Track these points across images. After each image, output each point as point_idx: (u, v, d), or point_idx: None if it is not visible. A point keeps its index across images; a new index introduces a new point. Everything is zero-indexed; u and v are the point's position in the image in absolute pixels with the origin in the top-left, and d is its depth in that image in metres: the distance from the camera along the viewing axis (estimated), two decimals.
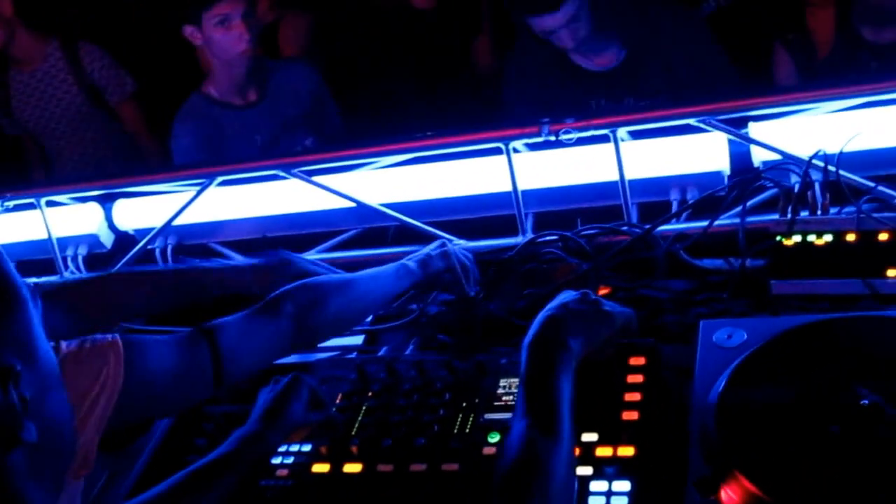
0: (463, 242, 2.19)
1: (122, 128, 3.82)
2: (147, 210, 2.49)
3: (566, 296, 1.44)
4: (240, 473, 1.40)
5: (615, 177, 2.04)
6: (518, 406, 1.27)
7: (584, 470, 1.36)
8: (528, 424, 1.22)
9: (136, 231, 2.53)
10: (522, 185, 2.12)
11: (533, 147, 2.12)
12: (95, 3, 4.02)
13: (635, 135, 2.06)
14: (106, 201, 2.51)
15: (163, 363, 1.35)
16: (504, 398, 1.58)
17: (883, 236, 1.75)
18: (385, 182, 2.28)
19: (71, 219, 2.53)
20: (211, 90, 3.24)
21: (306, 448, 1.58)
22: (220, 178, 2.35)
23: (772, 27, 3.03)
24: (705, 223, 1.96)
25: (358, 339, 2.03)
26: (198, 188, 2.37)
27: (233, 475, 1.39)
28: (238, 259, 1.74)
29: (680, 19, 2.93)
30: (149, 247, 2.47)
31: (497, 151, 2.10)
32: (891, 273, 1.72)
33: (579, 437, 1.40)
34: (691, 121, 1.95)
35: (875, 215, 1.76)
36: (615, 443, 1.40)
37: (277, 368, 1.81)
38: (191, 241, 2.52)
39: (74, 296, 1.79)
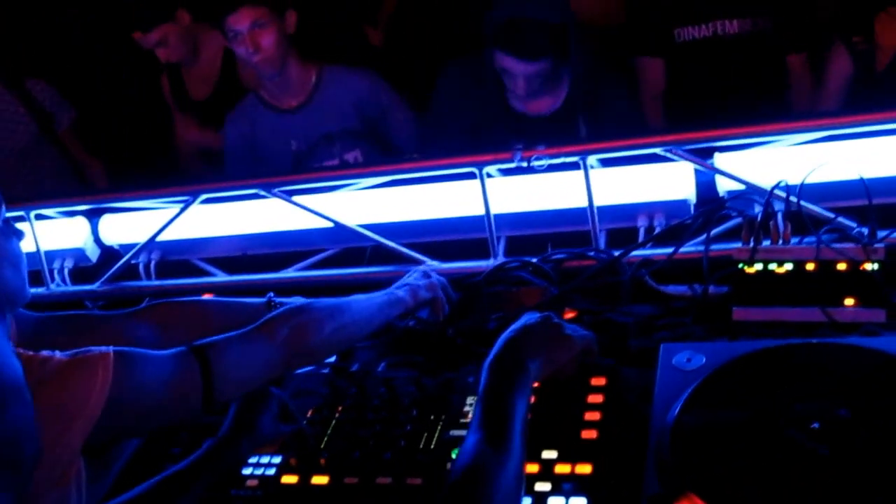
0: (436, 264, 2.21)
1: (67, 154, 3.81)
2: (132, 225, 2.49)
3: (529, 318, 1.46)
4: (211, 479, 1.44)
5: (585, 203, 2.06)
6: (473, 421, 1.29)
7: (543, 486, 1.37)
8: (479, 438, 1.24)
9: (121, 246, 2.53)
10: (495, 210, 2.13)
11: (506, 172, 2.13)
12: (37, 39, 4.06)
13: (605, 163, 2.08)
14: (92, 216, 2.51)
15: (154, 379, 1.32)
16: (470, 415, 1.59)
17: (841, 266, 1.76)
18: (363, 203, 2.29)
19: (58, 232, 2.53)
20: (262, 91, 3.24)
21: (276, 460, 1.59)
22: (203, 196, 2.35)
23: (836, 26, 3.01)
24: (671, 249, 1.97)
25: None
26: (181, 205, 2.37)
27: (204, 481, 1.43)
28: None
29: (616, 81, 2.98)
30: (133, 262, 2.48)
31: (471, 176, 2.12)
32: (848, 302, 1.74)
33: (539, 453, 1.42)
34: (659, 150, 1.97)
35: (834, 245, 1.77)
36: (574, 460, 1.41)
37: None
38: (174, 257, 2.53)
39: (170, 315, 1.78)
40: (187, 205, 2.35)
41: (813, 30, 3.09)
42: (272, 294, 1.92)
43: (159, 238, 2.41)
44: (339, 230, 2.27)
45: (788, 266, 1.80)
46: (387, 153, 3.23)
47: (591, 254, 2.06)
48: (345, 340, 1.70)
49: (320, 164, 3.13)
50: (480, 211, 2.14)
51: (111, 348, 1.28)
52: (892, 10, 2.83)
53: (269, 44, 3.01)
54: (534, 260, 2.07)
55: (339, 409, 1.69)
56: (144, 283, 2.48)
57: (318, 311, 1.62)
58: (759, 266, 1.82)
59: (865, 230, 1.81)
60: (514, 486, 1.21)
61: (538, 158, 1.99)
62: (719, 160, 2.01)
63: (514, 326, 1.43)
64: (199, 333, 1.47)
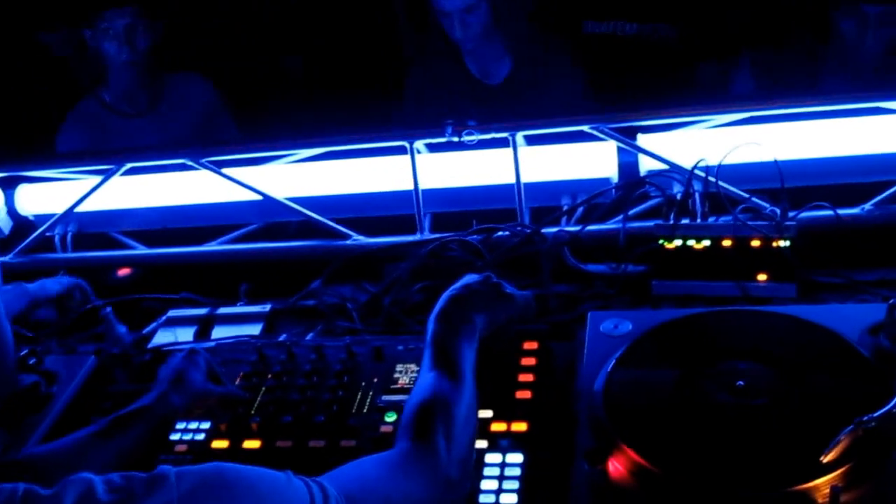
0: (363, 238, 2.18)
1: None
2: (50, 196, 2.39)
3: (469, 278, 1.45)
4: (148, 426, 1.39)
5: (511, 180, 2.06)
6: (424, 364, 1.30)
7: (480, 443, 1.36)
8: (435, 374, 1.26)
9: (37, 217, 2.42)
10: (423, 185, 2.12)
11: (434, 148, 2.12)
12: None
13: (532, 140, 2.08)
14: (7, 186, 2.40)
15: None
16: (400, 381, 1.58)
17: (755, 243, 1.80)
18: (291, 177, 2.25)
19: None
20: (104, 94, 3.13)
21: (205, 425, 1.55)
22: (127, 166, 2.28)
23: (745, 38, 3.04)
24: (593, 226, 2.00)
25: (255, 329, 1.99)
26: (103, 176, 2.29)
27: (142, 426, 1.38)
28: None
29: (561, 46, 3.01)
30: (48, 234, 2.38)
31: (400, 151, 2.10)
32: (761, 277, 1.79)
33: None
34: (585, 127, 1.99)
35: (749, 223, 1.81)
36: (509, 419, 1.41)
37: (167, 355, 1.77)
38: (92, 230, 2.44)
39: None
40: (109, 175, 2.27)
41: (721, 40, 3.16)
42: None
43: (77, 209, 2.33)
44: (266, 204, 2.22)
45: (706, 242, 1.83)
46: None
47: (518, 229, 2.05)
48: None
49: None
50: (408, 186, 2.12)
51: None
52: None
53: (145, 44, 2.97)
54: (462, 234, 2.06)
55: (269, 375, 1.64)
56: (60, 255, 2.38)
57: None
58: (678, 242, 1.85)
59: (778, 210, 1.84)
60: (472, 414, 1.25)
61: (469, 133, 1.98)
62: (642, 140, 2.03)
63: (455, 285, 1.43)
64: None
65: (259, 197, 2.21)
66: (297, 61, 3.84)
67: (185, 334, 2.00)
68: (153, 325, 2.07)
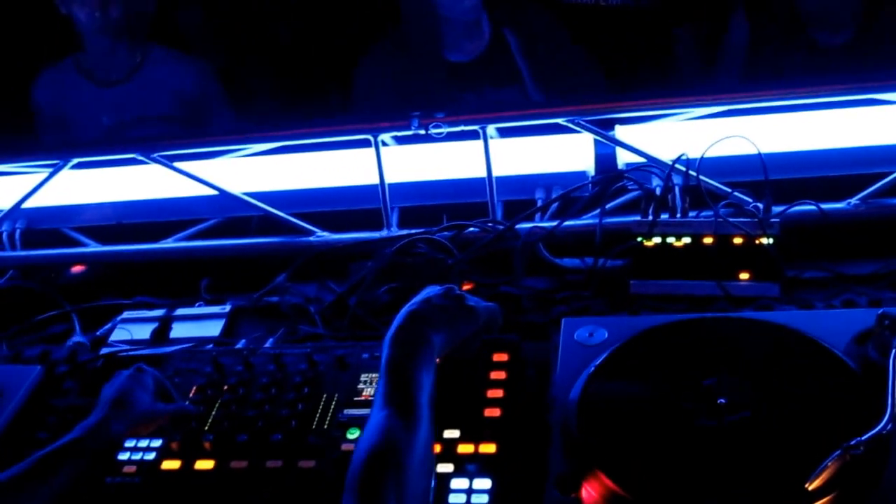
0: (327, 235, 2.13)
1: None
2: None
3: (430, 290, 1.38)
4: (83, 463, 1.32)
5: (482, 173, 2.00)
6: (377, 397, 1.22)
7: (446, 467, 1.31)
8: (387, 414, 1.17)
9: None
10: (389, 179, 2.05)
11: (401, 141, 2.06)
12: None
13: (504, 132, 2.02)
14: None
15: None
16: (364, 393, 1.52)
17: (737, 240, 1.76)
18: (249, 171, 2.18)
19: None
20: (80, 57, 3.05)
21: (156, 443, 1.48)
22: (74, 160, 2.20)
23: None
24: (568, 221, 1.94)
25: (215, 328, 1.94)
26: (50, 170, 2.21)
27: (75, 464, 1.30)
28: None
29: (541, 13, 2.94)
30: None
31: (365, 143, 2.04)
32: (743, 276, 1.75)
33: (441, 433, 1.36)
34: (560, 120, 1.93)
35: (731, 220, 1.76)
36: (477, 440, 1.35)
37: (125, 361, 1.72)
38: (42, 226, 2.35)
39: None
40: (57, 169, 2.20)
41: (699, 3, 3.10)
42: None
43: (25, 205, 2.25)
44: (223, 198, 2.16)
45: (686, 240, 1.79)
46: None
47: (489, 225, 2.00)
48: None
49: None
50: (373, 180, 2.06)
51: None
52: None
53: (117, 15, 2.89)
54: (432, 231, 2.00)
55: (225, 388, 1.58)
56: (8, 253, 2.30)
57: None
58: (657, 239, 1.81)
59: (761, 205, 1.80)
60: (427, 462, 1.16)
61: (436, 126, 1.92)
62: (620, 132, 1.98)
63: (415, 299, 1.35)
64: None
65: (215, 192, 2.15)
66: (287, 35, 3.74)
67: (143, 334, 1.95)
68: (108, 325, 2.01)
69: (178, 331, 1.95)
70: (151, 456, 1.46)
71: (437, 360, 1.29)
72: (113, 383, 1.46)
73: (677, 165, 1.83)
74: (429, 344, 1.27)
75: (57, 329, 2.02)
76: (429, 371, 1.24)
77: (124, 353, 1.82)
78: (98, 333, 1.98)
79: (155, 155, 2.13)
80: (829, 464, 1.12)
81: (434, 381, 1.25)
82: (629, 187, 1.96)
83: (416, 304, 1.34)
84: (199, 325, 1.96)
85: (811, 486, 1.12)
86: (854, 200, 1.89)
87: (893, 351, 1.27)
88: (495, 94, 2.86)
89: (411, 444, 1.13)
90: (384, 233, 2.07)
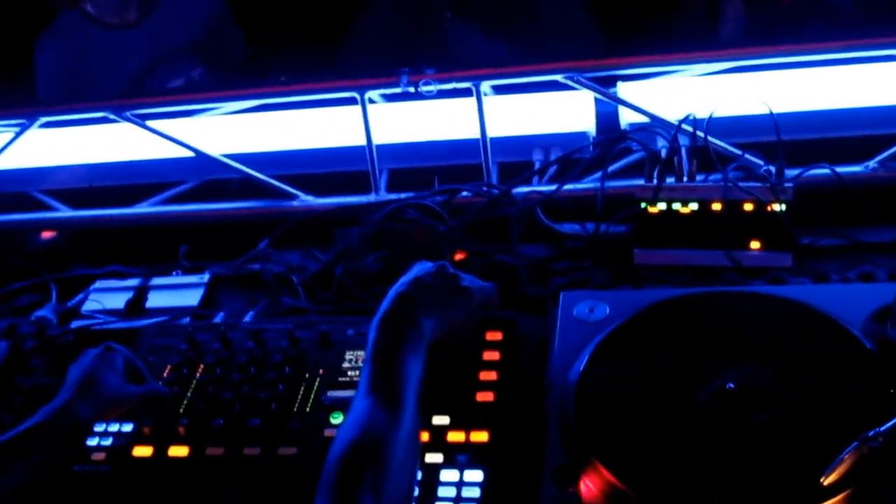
0: (311, 199, 2.08)
1: None
2: None
3: (422, 269, 1.33)
4: (47, 449, 1.28)
5: (476, 134, 1.96)
6: (361, 384, 1.18)
7: (434, 457, 1.28)
8: (369, 404, 1.13)
9: None
10: (377, 140, 2.01)
11: (390, 98, 2.02)
12: None
13: (499, 90, 1.97)
14: None
15: None
16: (349, 373, 1.48)
17: (748, 206, 1.72)
18: (229, 130, 2.14)
19: None
20: (87, 5, 2.90)
21: (127, 428, 1.44)
22: (42, 120, 2.15)
23: None
24: (567, 185, 1.90)
25: (194, 298, 1.90)
26: (17, 129, 2.15)
27: (38, 451, 1.27)
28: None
29: None
30: None
31: (352, 101, 1.99)
32: (754, 245, 1.71)
33: (430, 420, 1.32)
34: (559, 77, 1.88)
35: (741, 184, 1.71)
36: (468, 427, 1.32)
37: (96, 336, 1.67)
38: (9, 189, 2.31)
39: None
40: (23, 129, 2.15)
41: None
42: None
43: None
44: (201, 160, 2.11)
45: (693, 206, 1.75)
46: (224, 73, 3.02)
47: (484, 189, 1.95)
48: None
49: (162, 86, 2.89)
50: (360, 141, 2.01)
51: None
52: None
53: None
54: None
55: (201, 367, 1.54)
56: None
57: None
58: (662, 206, 1.76)
59: (773, 168, 1.76)
60: (411, 457, 1.12)
61: (427, 83, 1.87)
62: (623, 90, 1.93)
63: (404, 279, 1.30)
64: None
65: (192, 153, 2.11)
66: None
67: (116, 304, 1.91)
68: (79, 296, 1.97)
69: (154, 301, 1.91)
70: (122, 442, 1.42)
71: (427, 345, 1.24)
72: (79, 363, 1.42)
73: (684, 125, 1.78)
74: (418, 329, 1.23)
75: (23, 301, 1.97)
76: (417, 358, 1.20)
77: (96, 327, 1.78)
78: (68, 305, 1.94)
79: (127, 113, 2.08)
80: (846, 457, 1.09)
81: (423, 368, 1.20)
82: (633, 149, 1.92)
83: (405, 284, 1.29)
84: (176, 294, 1.92)
85: (826, 482, 1.08)
86: (872, 163, 1.84)
87: None
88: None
89: (394, 439, 1.09)
90: (372, 197, 2.03)
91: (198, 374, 1.52)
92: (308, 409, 1.42)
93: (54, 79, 2.96)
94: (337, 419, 1.39)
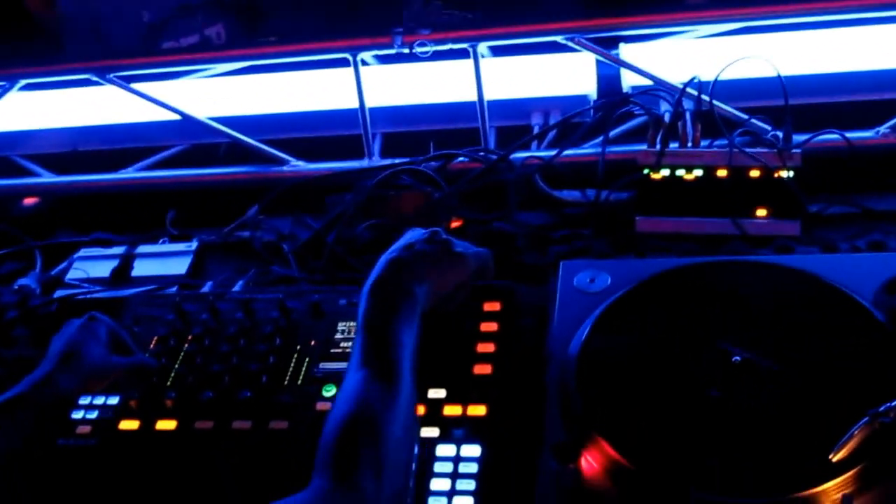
0: (302, 164, 2.06)
1: None
2: None
3: (414, 235, 1.30)
4: (29, 422, 1.27)
5: (473, 97, 1.94)
6: (353, 356, 1.16)
7: (430, 432, 1.26)
8: (364, 376, 1.11)
9: None
10: (371, 103, 1.99)
11: (384, 60, 2.01)
12: None
13: (497, 52, 1.97)
14: None
15: None
16: (342, 344, 1.47)
17: (754, 173, 1.70)
18: (217, 93, 2.14)
19: None
20: None
21: (113, 401, 1.43)
22: (23, 82, 2.14)
23: None
24: (569, 152, 1.88)
25: (182, 266, 1.89)
26: None
27: (20, 423, 1.26)
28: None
29: None
30: None
31: (344, 63, 1.97)
32: (760, 213, 1.69)
33: (425, 393, 1.31)
34: (559, 38, 1.86)
35: (747, 150, 1.69)
36: (465, 401, 1.30)
37: (80, 305, 1.65)
38: None
39: None
40: (3, 91, 2.13)
41: None
42: None
43: None
44: (188, 124, 2.10)
45: (698, 172, 1.73)
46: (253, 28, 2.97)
47: (481, 154, 1.93)
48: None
49: (176, 42, 2.85)
50: (352, 103, 2.00)
51: None
52: None
53: None
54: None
55: (189, 338, 1.52)
56: None
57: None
58: (665, 172, 1.74)
59: (781, 133, 1.74)
60: (408, 430, 1.10)
61: (422, 44, 1.85)
62: (625, 52, 1.92)
63: (396, 245, 1.27)
64: None
65: (178, 116, 2.10)
66: None
67: (102, 273, 1.91)
68: (63, 264, 1.96)
69: (140, 269, 1.91)
70: (108, 415, 1.41)
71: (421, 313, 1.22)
72: (62, 334, 1.41)
73: (688, 89, 1.76)
74: (411, 297, 1.20)
75: (5, 269, 1.97)
76: (411, 327, 1.17)
77: (80, 297, 1.77)
78: (52, 273, 1.93)
79: (111, 76, 2.07)
80: (855, 433, 1.07)
81: (417, 337, 1.18)
82: (635, 113, 1.91)
83: (396, 250, 1.26)
84: (163, 262, 1.92)
85: (835, 458, 1.07)
86: (883, 129, 1.83)
87: None
88: None
89: (390, 412, 1.07)
90: (365, 162, 2.02)
91: (185, 346, 1.51)
92: (299, 382, 1.41)
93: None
94: (329, 392, 1.38)
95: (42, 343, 1.50)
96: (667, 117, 1.77)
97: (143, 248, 1.95)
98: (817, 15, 1.79)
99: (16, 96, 2.15)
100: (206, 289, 1.76)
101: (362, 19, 2.43)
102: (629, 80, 1.94)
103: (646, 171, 1.74)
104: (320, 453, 1.04)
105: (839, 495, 1.04)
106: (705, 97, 1.74)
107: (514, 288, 1.47)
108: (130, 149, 2.22)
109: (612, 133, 1.88)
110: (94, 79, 2.06)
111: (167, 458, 1.35)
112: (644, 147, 1.76)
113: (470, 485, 1.18)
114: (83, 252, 1.97)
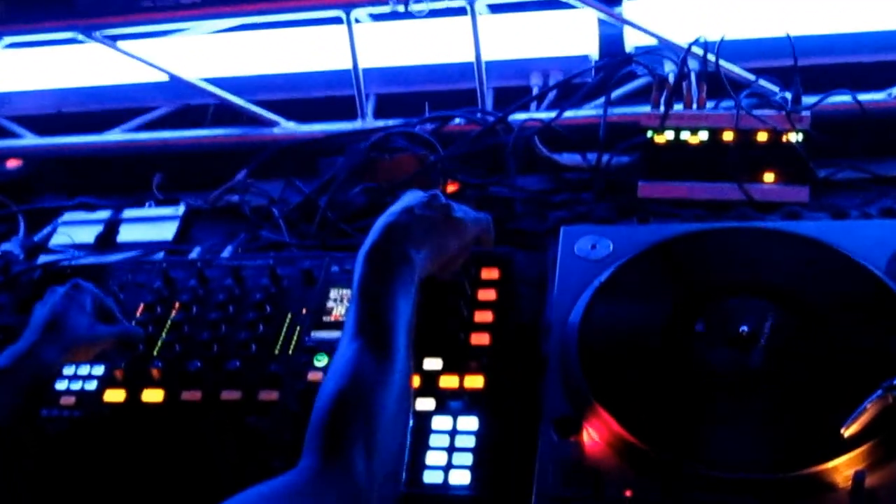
0: (293, 126, 2.05)
1: None
2: None
3: (412, 198, 1.27)
4: (11, 393, 1.27)
5: (470, 56, 1.93)
6: (347, 325, 1.13)
7: (426, 404, 1.25)
8: (358, 347, 1.08)
9: None
10: (364, 63, 1.97)
11: (378, 18, 1.99)
12: None
13: (495, 9, 1.95)
14: None
15: None
16: (334, 313, 1.46)
17: (762, 136, 1.68)
18: (205, 52, 2.11)
19: None
20: None
21: (97, 371, 1.43)
22: (6, 40, 2.10)
23: None
24: (569, 114, 1.86)
25: (168, 232, 1.88)
26: None
27: (2, 396, 1.26)
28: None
29: None
30: None
31: (337, 21, 1.95)
32: (768, 178, 1.67)
33: (420, 364, 1.30)
34: None
35: (755, 112, 1.67)
36: (462, 371, 1.29)
37: (64, 272, 1.64)
38: None
39: None
40: None
41: None
42: None
43: None
44: (175, 84, 2.08)
45: (703, 135, 1.71)
46: None
47: (478, 116, 1.91)
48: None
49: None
50: (345, 63, 1.98)
51: None
52: None
53: None
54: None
55: (176, 306, 1.51)
56: None
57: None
58: (669, 135, 1.72)
59: (789, 95, 1.71)
60: (402, 402, 1.08)
61: (417, 1, 1.84)
62: (628, 10, 1.89)
63: (393, 209, 1.24)
64: None
65: (165, 77, 2.08)
66: None
67: (86, 238, 1.90)
68: (46, 229, 1.95)
69: (126, 234, 1.90)
70: (93, 385, 1.41)
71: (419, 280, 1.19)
72: (45, 303, 1.39)
73: (693, 48, 1.73)
74: (409, 263, 1.17)
75: None
76: (407, 295, 1.15)
77: (64, 263, 1.76)
78: (35, 238, 1.92)
79: (97, 34, 2.05)
80: (868, 406, 1.06)
81: (414, 305, 1.16)
82: (638, 73, 1.90)
83: (394, 214, 1.23)
84: (150, 227, 1.91)
85: (847, 433, 1.06)
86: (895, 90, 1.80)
87: None
88: None
89: (384, 385, 1.05)
90: (358, 124, 2.01)
91: (173, 314, 1.50)
92: (290, 351, 1.40)
93: None
94: (321, 362, 1.36)
95: (25, 311, 1.51)
96: (671, 78, 1.75)
97: (128, 213, 1.95)
98: None
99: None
100: (193, 255, 1.74)
101: None
102: (632, 39, 1.92)
103: (649, 134, 1.71)
104: (310, 431, 1.02)
105: (851, 471, 1.03)
106: (711, 57, 1.71)
107: (512, 254, 1.46)
108: (116, 110, 2.20)
109: (615, 94, 1.86)
110: (80, 37, 2.04)
111: (154, 429, 1.34)
112: (647, 109, 1.74)
113: (467, 459, 1.17)
114: (67, 217, 1.96)
